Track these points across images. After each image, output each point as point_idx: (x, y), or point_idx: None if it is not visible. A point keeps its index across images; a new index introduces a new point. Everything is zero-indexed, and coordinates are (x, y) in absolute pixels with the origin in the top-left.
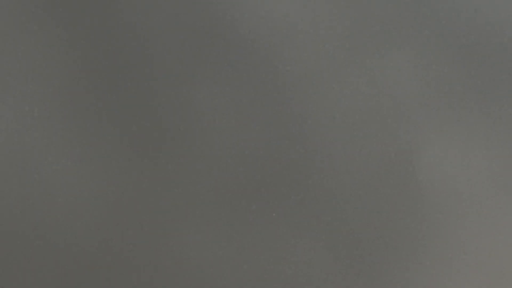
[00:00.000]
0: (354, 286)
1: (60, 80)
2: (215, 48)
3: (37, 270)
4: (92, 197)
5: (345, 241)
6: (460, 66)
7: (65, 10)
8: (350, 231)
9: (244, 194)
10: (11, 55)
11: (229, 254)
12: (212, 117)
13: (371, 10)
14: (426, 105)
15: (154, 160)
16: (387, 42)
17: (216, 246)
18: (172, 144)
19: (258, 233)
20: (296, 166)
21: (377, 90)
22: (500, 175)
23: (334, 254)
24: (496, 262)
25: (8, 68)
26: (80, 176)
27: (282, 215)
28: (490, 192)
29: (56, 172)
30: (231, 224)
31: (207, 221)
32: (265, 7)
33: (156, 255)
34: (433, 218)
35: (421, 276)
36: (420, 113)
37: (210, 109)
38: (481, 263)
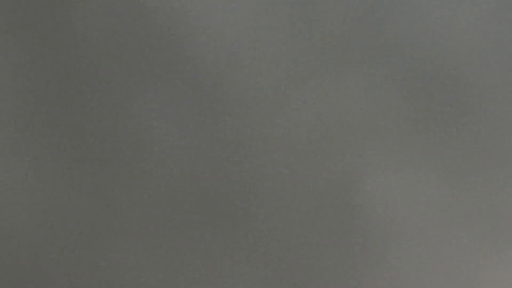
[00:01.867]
0: None
1: None
2: (159, 60)
3: None
4: (29, 204)
5: (281, 268)
6: (410, 92)
7: (5, 14)
8: (286, 257)
9: (177, 211)
10: None
11: (161, 271)
12: (153, 129)
13: (321, 30)
14: (373, 130)
15: (93, 169)
16: (336, 63)
17: (149, 261)
18: (111, 154)
19: (191, 255)
20: (234, 187)
21: (323, 112)
22: (448, 207)
23: (271, 281)
24: None
25: None
26: (19, 183)
27: (216, 238)
28: (435, 223)
29: None
30: (168, 240)
31: (145, 235)
32: (213, 23)
33: (90, 265)
34: (374, 247)
35: None
36: (366, 138)
37: (151, 121)
38: None
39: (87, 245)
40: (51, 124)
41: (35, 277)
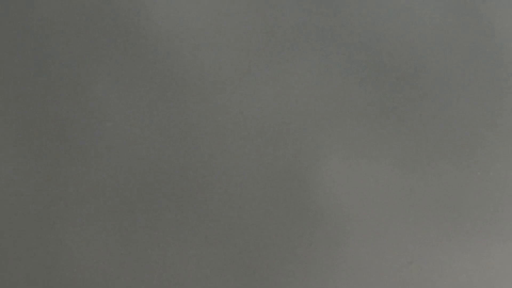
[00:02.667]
0: None
1: None
2: (116, 42)
3: None
4: None
5: (234, 252)
6: (365, 80)
7: None
8: (240, 242)
9: (135, 195)
10: None
11: (113, 254)
12: (110, 116)
13: (278, 17)
14: (327, 116)
15: (47, 157)
16: (292, 50)
17: (102, 246)
18: (66, 142)
19: (143, 237)
20: (188, 170)
21: (278, 99)
22: (400, 193)
23: (224, 264)
24: (393, 283)
25: None
26: None
27: (170, 222)
28: (388, 209)
29: None
30: (120, 225)
31: (96, 219)
32: (172, 6)
33: (37, 249)
34: (327, 233)
35: None
36: (320, 125)
37: (108, 108)
38: (377, 284)
39: (41, 229)
40: (5, 103)
41: None
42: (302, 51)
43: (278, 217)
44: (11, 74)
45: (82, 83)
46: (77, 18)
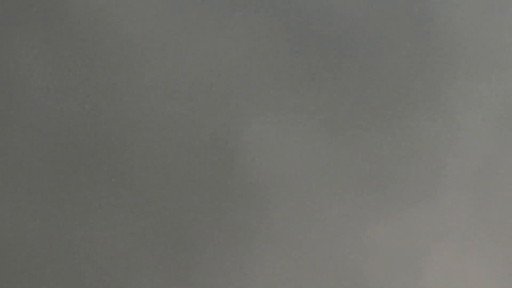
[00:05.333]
0: (163, 273)
1: None
2: (35, 1)
3: None
4: None
5: (156, 218)
6: (294, 45)
7: None
8: (164, 207)
9: (57, 163)
10: None
11: (35, 222)
12: (33, 82)
13: None
14: (253, 80)
15: None
16: (220, 14)
17: (26, 213)
18: None
19: (69, 203)
20: (112, 138)
21: (205, 62)
22: (325, 156)
23: (147, 232)
24: (319, 254)
25: None
26: None
27: (92, 187)
28: (313, 172)
29: None
30: (44, 191)
31: (20, 185)
32: None
33: None
34: (252, 195)
35: (239, 264)
36: (246, 88)
37: (31, 73)
38: (301, 256)
39: None
40: None
41: None
42: (230, 16)
43: (203, 183)
44: None
45: (2, 40)
46: None
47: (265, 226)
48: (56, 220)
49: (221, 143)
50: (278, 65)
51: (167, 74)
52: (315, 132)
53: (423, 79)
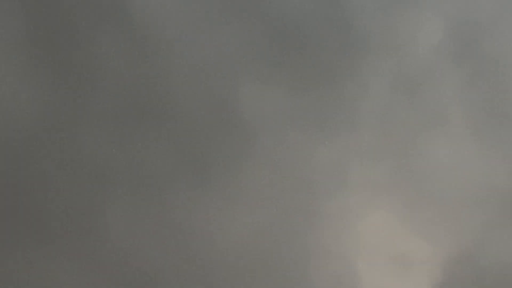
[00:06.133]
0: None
1: None
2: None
3: None
4: None
5: (185, 149)
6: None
7: None
8: (188, 144)
9: (128, 113)
10: None
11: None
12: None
13: None
14: (245, 61)
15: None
16: (223, 16)
17: None
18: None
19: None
20: (160, 100)
21: (211, 55)
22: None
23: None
24: (297, 174)
25: None
26: None
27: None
28: (286, 130)
29: None
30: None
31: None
32: None
33: None
34: (244, 140)
35: (237, 179)
36: (240, 66)
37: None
38: (283, 177)
39: None
40: None
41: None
42: (231, 16)
43: (214, 127)
44: None
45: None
46: None
47: (254, 153)
48: (129, 147)
49: (224, 102)
50: (265, 50)
51: (191, 61)
52: (286, 92)
53: (342, 55)
